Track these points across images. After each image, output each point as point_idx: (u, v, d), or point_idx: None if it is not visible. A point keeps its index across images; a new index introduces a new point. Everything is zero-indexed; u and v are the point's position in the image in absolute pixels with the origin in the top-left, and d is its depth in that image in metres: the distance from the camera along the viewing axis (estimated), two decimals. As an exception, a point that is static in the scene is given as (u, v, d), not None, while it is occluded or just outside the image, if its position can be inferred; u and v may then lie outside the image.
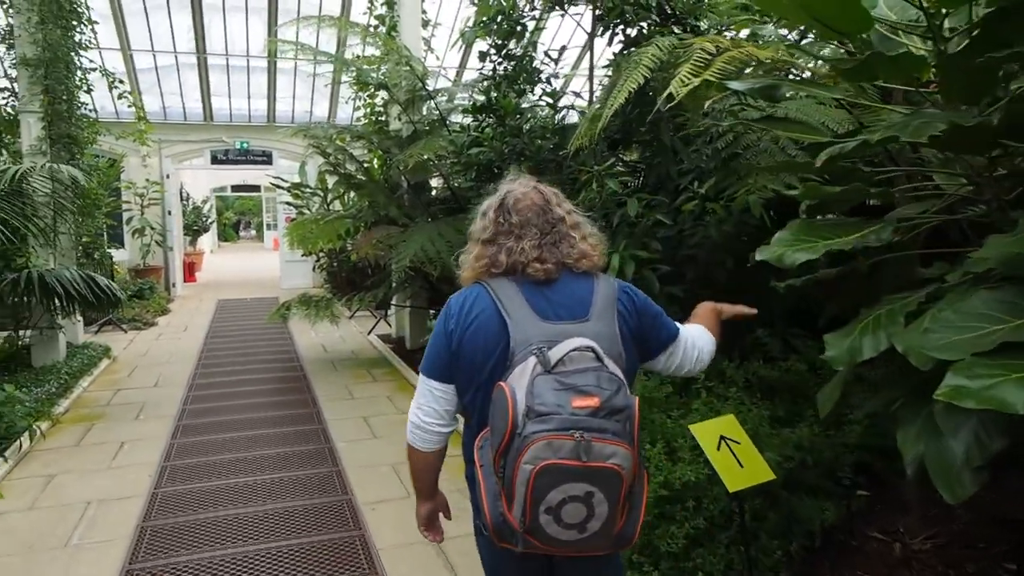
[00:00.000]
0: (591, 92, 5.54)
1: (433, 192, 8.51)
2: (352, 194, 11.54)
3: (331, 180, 10.99)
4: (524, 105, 5.43)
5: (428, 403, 1.81)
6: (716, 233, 4.03)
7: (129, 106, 9.88)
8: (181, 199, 18.55)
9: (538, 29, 5.56)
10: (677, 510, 3.00)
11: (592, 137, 3.71)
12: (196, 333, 10.20)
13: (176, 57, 13.64)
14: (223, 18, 13.24)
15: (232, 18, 13.29)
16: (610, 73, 5.46)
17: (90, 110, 8.36)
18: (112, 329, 10.44)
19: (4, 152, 8.31)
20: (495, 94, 5.34)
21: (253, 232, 37.30)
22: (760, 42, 3.61)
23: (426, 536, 2.08)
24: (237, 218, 37.35)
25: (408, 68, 6.87)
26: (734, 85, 2.49)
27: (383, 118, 9.19)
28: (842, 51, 2.75)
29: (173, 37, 13.16)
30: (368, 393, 6.83)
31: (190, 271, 17.40)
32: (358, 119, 9.64)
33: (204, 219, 21.07)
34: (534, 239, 1.77)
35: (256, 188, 30.06)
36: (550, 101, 5.30)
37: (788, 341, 4.31)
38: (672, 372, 2.00)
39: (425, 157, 6.26)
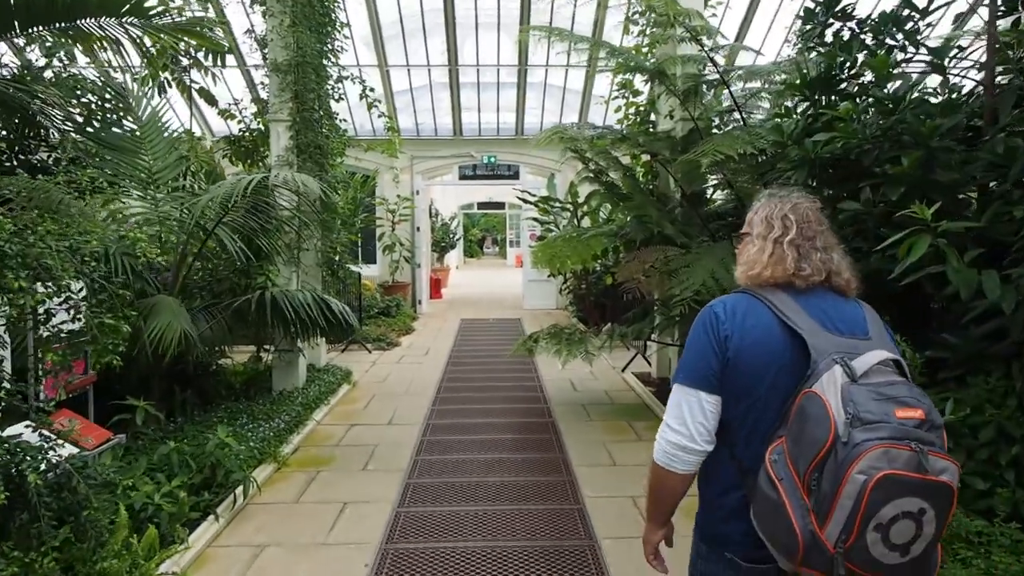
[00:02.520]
0: (990, 50, 3.61)
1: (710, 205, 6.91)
2: (604, 209, 10.33)
3: (583, 192, 9.86)
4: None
5: (698, 419, 1.65)
6: None
7: (379, 116, 9.45)
8: (430, 215, 18.69)
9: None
10: None
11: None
12: (437, 358, 9.50)
13: (429, 72, 13.45)
14: (475, 35, 12.87)
15: (484, 35, 12.89)
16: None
17: (340, 120, 7.89)
18: (358, 348, 10.12)
19: (261, 165, 8.15)
20: (843, 59, 3.65)
21: (496, 249, 37.98)
22: None
23: (654, 565, 1.90)
24: (482, 234, 38.29)
25: (698, 45, 5.37)
26: None
27: (651, 117, 7.79)
28: None
29: (427, 54, 12.98)
30: (633, 458, 5.37)
31: (436, 288, 17.32)
32: (618, 121, 8.33)
33: (451, 235, 21.22)
34: (833, 250, 1.71)
35: (501, 205, 30.48)
36: (935, 61, 3.48)
37: None
38: None
39: (722, 157, 4.70)
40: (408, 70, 13.39)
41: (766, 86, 5.79)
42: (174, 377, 5.84)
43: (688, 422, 1.66)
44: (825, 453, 1.40)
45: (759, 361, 1.61)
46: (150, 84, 7.04)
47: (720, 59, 5.84)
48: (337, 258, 7.95)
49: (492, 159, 14.92)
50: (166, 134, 5.51)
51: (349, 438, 5.96)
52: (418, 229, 14.66)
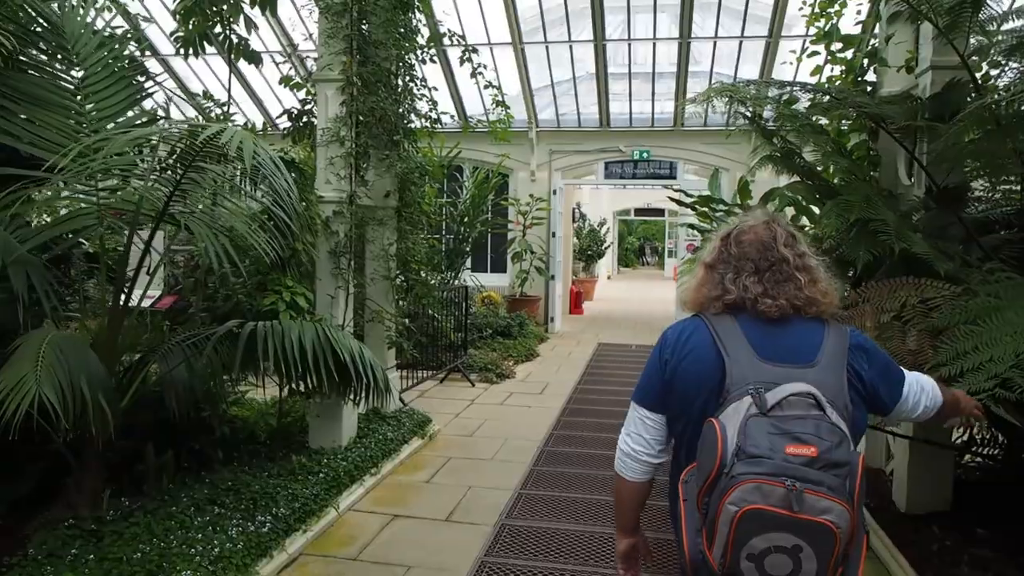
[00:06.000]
0: None
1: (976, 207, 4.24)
2: (786, 215, 7.69)
3: (758, 191, 7.30)
4: None
5: (638, 431, 1.77)
6: None
7: (485, 86, 7.44)
8: (573, 219, 16.57)
9: None
10: None
11: None
12: (553, 400, 7.35)
13: (571, 50, 11.39)
14: (627, 13, 10.74)
15: (637, 17, 10.84)
16: None
17: (431, 88, 5.94)
18: (460, 379, 8.21)
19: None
20: None
21: (656, 258, 35.17)
22: None
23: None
24: (640, 243, 35.66)
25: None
26: None
27: (867, 77, 5.20)
28: None
29: (569, 34, 10.95)
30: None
31: (577, 301, 15.16)
32: (820, 84, 5.77)
33: (600, 243, 18.96)
34: (752, 275, 1.67)
35: (660, 212, 27.99)
36: None
37: None
38: (905, 419, 1.86)
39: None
40: (546, 47, 11.41)
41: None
42: (159, 428, 4.16)
43: (634, 435, 1.77)
44: (712, 480, 1.42)
45: (691, 384, 1.63)
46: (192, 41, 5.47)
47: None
48: (416, 266, 6.01)
49: (645, 154, 12.55)
50: (123, 89, 3.76)
51: (377, 546, 3.95)
52: (554, 235, 12.59)
